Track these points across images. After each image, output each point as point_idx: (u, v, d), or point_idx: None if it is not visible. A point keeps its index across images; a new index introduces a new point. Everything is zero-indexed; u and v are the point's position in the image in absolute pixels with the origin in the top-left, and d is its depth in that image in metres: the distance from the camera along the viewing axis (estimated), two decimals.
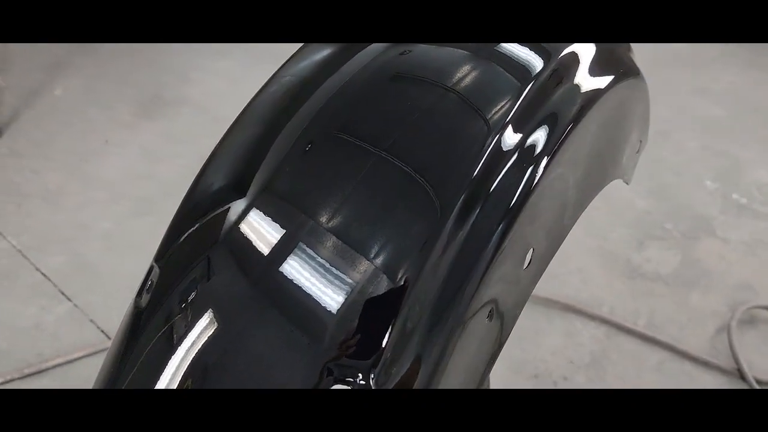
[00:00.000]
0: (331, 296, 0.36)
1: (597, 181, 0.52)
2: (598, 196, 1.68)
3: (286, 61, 0.47)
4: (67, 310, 1.44)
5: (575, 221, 0.49)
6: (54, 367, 1.33)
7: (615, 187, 1.83)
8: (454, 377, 0.37)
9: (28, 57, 2.11)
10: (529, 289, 0.44)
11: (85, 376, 1.32)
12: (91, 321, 1.42)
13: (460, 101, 0.41)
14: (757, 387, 1.35)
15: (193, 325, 0.36)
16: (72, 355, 1.35)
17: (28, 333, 1.39)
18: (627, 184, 0.64)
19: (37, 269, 1.51)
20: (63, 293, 1.47)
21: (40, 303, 1.45)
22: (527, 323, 1.46)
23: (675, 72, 2.16)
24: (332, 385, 0.33)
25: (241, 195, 0.40)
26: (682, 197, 1.76)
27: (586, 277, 1.56)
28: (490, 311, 0.39)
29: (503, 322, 0.41)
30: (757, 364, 1.39)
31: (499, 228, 0.37)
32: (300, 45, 0.48)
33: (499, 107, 0.40)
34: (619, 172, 0.57)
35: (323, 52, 0.46)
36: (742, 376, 1.37)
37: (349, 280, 0.36)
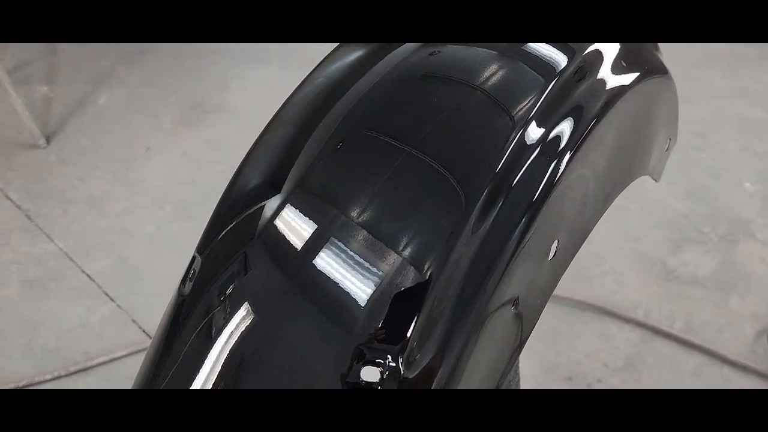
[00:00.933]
0: (361, 287, 0.38)
1: (622, 176, 0.52)
2: (633, 198, 1.67)
3: (319, 64, 0.49)
4: (111, 310, 1.49)
5: (602, 214, 0.50)
6: (98, 365, 1.38)
7: (650, 189, 1.82)
8: (479, 364, 0.38)
9: (74, 68, 2.19)
10: (553, 285, 0.45)
11: (128, 374, 1.37)
12: (134, 321, 1.47)
13: (486, 98, 0.42)
14: None
15: (233, 313, 0.38)
16: (115, 354, 1.40)
17: (75, 332, 1.45)
18: (656, 181, 0.65)
19: (83, 271, 1.57)
20: (107, 294, 1.52)
21: (85, 304, 1.50)
22: (561, 325, 1.45)
23: (712, 73, 2.12)
24: (363, 367, 0.35)
25: (275, 192, 0.42)
26: (721, 199, 1.73)
27: (620, 279, 1.55)
28: (513, 305, 0.40)
29: (526, 316, 0.42)
30: None
31: (523, 220, 0.38)
32: (330, 47, 0.50)
33: (523, 103, 0.41)
34: (646, 169, 0.58)
35: (354, 54, 0.48)
36: None
37: (378, 272, 0.38)
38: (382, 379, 0.35)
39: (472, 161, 0.40)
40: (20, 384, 1.34)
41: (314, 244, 0.39)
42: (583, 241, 0.47)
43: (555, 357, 1.40)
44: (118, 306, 1.50)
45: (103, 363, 1.39)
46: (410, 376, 0.35)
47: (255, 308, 0.39)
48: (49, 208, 1.72)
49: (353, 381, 0.35)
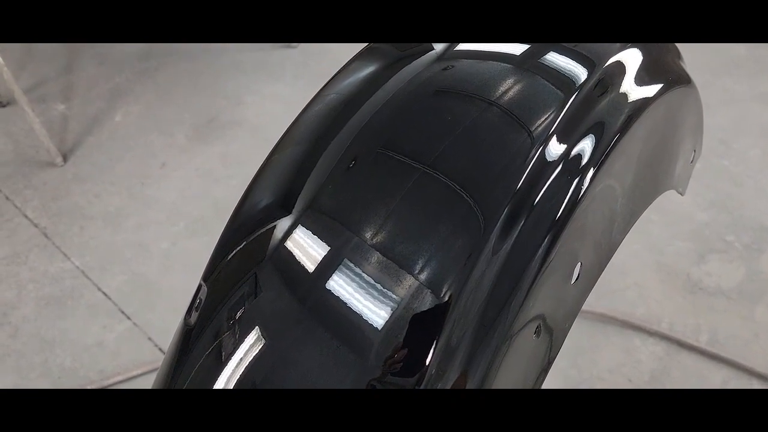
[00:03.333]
0: (375, 312, 0.36)
1: (648, 192, 0.50)
2: (655, 209, 1.64)
3: (330, 80, 0.47)
4: (126, 328, 1.49)
5: (626, 233, 0.48)
6: (114, 384, 1.37)
7: (672, 199, 1.78)
8: (508, 379, 0.37)
9: (91, 86, 2.21)
10: (579, 305, 0.43)
11: None
12: (149, 339, 1.46)
13: (503, 114, 0.41)
14: None
15: (240, 343, 0.37)
16: (131, 373, 1.39)
17: (91, 351, 1.44)
18: (681, 195, 0.63)
19: (99, 289, 1.57)
20: (123, 312, 1.52)
21: (102, 322, 1.50)
22: (583, 340, 1.42)
23: (734, 79, 2.08)
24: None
25: (286, 213, 0.41)
26: (745, 208, 1.69)
27: (643, 292, 1.52)
28: (537, 327, 0.38)
29: (552, 338, 0.40)
30: None
31: (545, 241, 0.37)
32: (344, 59, 0.49)
33: (542, 119, 0.40)
34: (672, 183, 0.56)
35: (366, 69, 0.46)
36: None
37: (393, 297, 0.36)
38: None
39: (491, 179, 0.38)
40: None
41: (326, 267, 0.38)
42: (609, 260, 0.45)
43: (577, 373, 1.37)
44: (134, 324, 1.49)
45: (119, 382, 1.38)
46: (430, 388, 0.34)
47: (265, 334, 0.38)
48: (66, 226, 1.73)
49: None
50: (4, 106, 2.12)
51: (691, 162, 0.62)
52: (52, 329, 1.49)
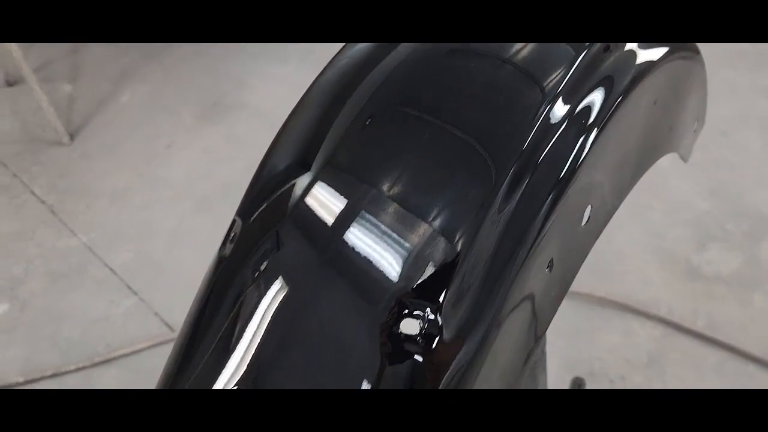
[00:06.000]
0: (391, 258, 0.38)
1: (654, 147, 0.52)
2: (657, 196, 1.66)
3: (343, 47, 0.49)
4: (133, 303, 1.51)
5: (633, 185, 0.50)
6: (121, 357, 1.40)
7: (674, 187, 1.80)
8: (516, 320, 0.39)
9: (97, 67, 2.22)
10: (590, 244, 0.45)
11: (150, 366, 1.38)
12: (156, 314, 1.48)
13: (515, 71, 0.43)
14: None
15: (278, 270, 0.39)
16: (137, 346, 1.41)
17: (98, 325, 1.46)
18: (685, 161, 0.65)
19: (106, 265, 1.59)
20: (130, 288, 1.54)
21: (108, 297, 1.52)
22: (583, 322, 1.44)
23: (736, 72, 2.10)
24: (403, 320, 0.36)
25: (306, 170, 0.42)
26: (744, 197, 1.71)
27: (643, 277, 1.54)
28: (550, 261, 0.40)
29: (563, 274, 0.43)
30: None
31: (558, 184, 0.38)
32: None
33: (553, 76, 0.41)
34: (675, 146, 0.58)
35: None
36: None
37: (408, 244, 0.38)
38: (421, 331, 0.35)
39: (502, 134, 0.40)
40: (46, 374, 1.36)
41: (345, 219, 0.39)
42: (618, 205, 0.47)
43: (577, 353, 1.39)
44: (141, 299, 1.51)
45: (126, 355, 1.40)
46: (448, 329, 0.36)
47: (298, 266, 0.39)
48: (73, 203, 1.74)
49: (394, 333, 0.36)
50: (11, 85, 2.13)
51: (694, 131, 0.64)
52: (60, 303, 1.51)
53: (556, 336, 1.42)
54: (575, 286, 1.51)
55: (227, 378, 0.38)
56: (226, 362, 0.39)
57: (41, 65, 2.18)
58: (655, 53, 0.47)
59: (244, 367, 0.38)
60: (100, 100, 2.09)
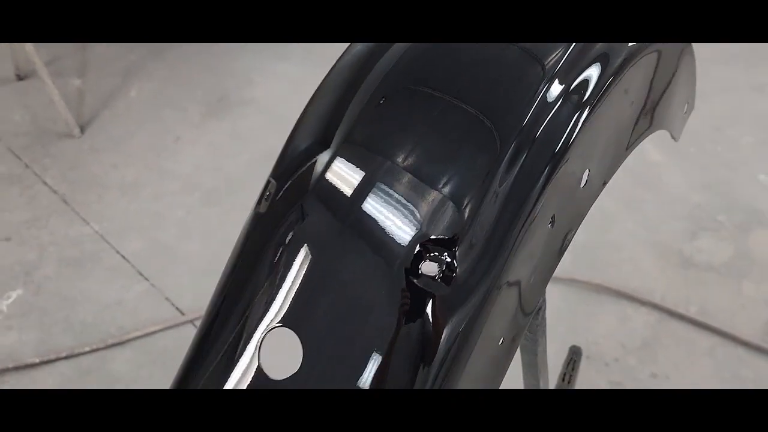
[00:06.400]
0: (418, 208, 0.43)
1: (649, 120, 0.57)
2: (651, 189, 1.71)
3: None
4: (145, 289, 1.55)
5: (629, 153, 0.55)
6: (134, 339, 1.44)
7: (667, 181, 1.86)
8: (521, 264, 0.44)
9: (105, 63, 2.27)
10: (589, 204, 0.50)
11: (162, 347, 1.43)
12: (167, 299, 1.53)
13: (517, 53, 0.48)
14: None
15: (311, 221, 0.44)
16: (149, 329, 1.46)
17: (111, 309, 1.51)
18: (675, 140, 0.70)
19: (118, 252, 1.64)
20: (141, 274, 1.59)
21: (121, 283, 1.57)
22: (580, 308, 1.50)
23: (730, 69, 2.16)
24: (423, 262, 0.41)
25: (325, 147, 0.47)
26: (736, 191, 1.77)
27: (638, 266, 1.59)
28: (552, 218, 0.45)
29: (564, 231, 0.48)
30: None
31: (556, 154, 0.44)
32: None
33: (552, 55, 0.46)
34: (667, 124, 0.63)
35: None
36: None
37: (430, 200, 0.43)
38: (440, 272, 0.41)
39: (506, 108, 0.45)
40: (61, 355, 1.41)
41: (363, 189, 0.44)
42: (615, 170, 0.52)
43: (573, 337, 1.44)
44: (152, 285, 1.56)
45: (139, 337, 1.45)
46: (463, 272, 0.41)
47: (327, 220, 0.44)
48: (84, 193, 1.79)
49: (415, 274, 0.41)
50: (21, 79, 2.18)
51: (685, 113, 0.69)
52: (73, 288, 1.55)
53: (556, 321, 1.47)
54: (573, 273, 1.58)
55: (270, 317, 0.44)
56: (271, 301, 0.44)
57: (50, 60, 2.23)
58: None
59: (287, 305, 0.43)
60: (109, 95, 2.13)
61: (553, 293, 1.52)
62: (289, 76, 2.20)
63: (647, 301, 1.50)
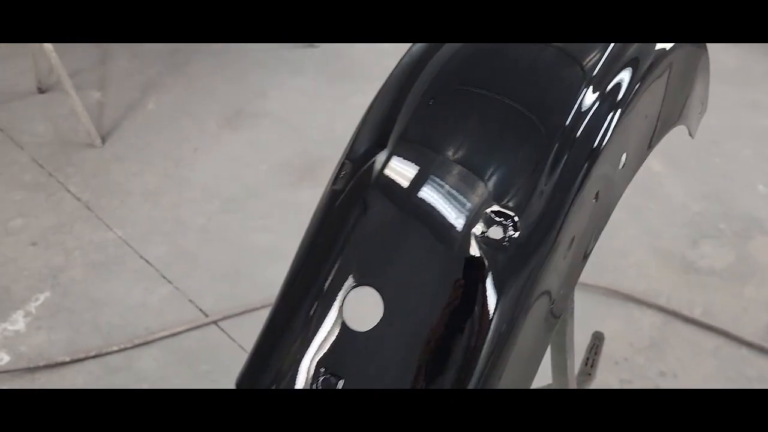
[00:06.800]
0: (484, 182, 0.49)
1: (673, 115, 0.64)
2: (653, 199, 1.80)
3: (409, 49, 0.61)
4: (169, 291, 1.61)
5: (658, 141, 0.62)
6: (160, 339, 1.49)
7: (668, 192, 1.94)
8: (573, 231, 0.50)
9: (124, 76, 2.34)
10: (626, 184, 0.57)
11: (188, 347, 1.48)
12: (191, 301, 1.58)
13: (561, 55, 0.55)
14: None
15: (389, 194, 0.50)
16: (175, 329, 1.51)
17: (137, 310, 1.56)
18: (692, 137, 0.77)
19: (141, 257, 1.69)
20: (165, 277, 1.64)
21: (145, 285, 1.62)
22: (589, 310, 1.56)
23: (725, 86, 2.25)
24: (490, 227, 0.47)
25: (385, 146, 0.54)
26: (735, 200, 1.84)
27: (643, 271, 1.66)
28: (597, 193, 0.52)
29: (606, 205, 0.54)
30: None
31: (599, 139, 0.50)
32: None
33: (590, 58, 0.53)
34: (686, 121, 0.70)
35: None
36: None
37: (495, 176, 0.49)
38: (503, 236, 0.47)
39: (550, 107, 0.52)
40: (90, 354, 1.45)
41: (418, 181, 0.51)
42: (648, 155, 0.59)
43: (585, 338, 1.50)
44: (176, 288, 1.61)
45: (165, 337, 1.50)
46: (525, 237, 0.47)
47: (400, 194, 0.51)
48: (107, 200, 1.85)
49: (482, 236, 0.47)
50: (43, 92, 2.24)
51: (699, 113, 0.76)
52: (99, 291, 1.60)
53: None
54: (582, 278, 1.66)
55: (353, 277, 0.50)
56: (351, 263, 0.50)
57: (71, 74, 2.29)
58: (668, 43, 0.60)
59: (368, 267, 0.49)
60: (128, 107, 2.20)
61: None
62: (303, 89, 2.27)
63: (653, 304, 1.56)
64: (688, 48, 0.64)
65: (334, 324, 0.49)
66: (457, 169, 0.50)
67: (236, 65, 2.40)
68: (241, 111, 2.19)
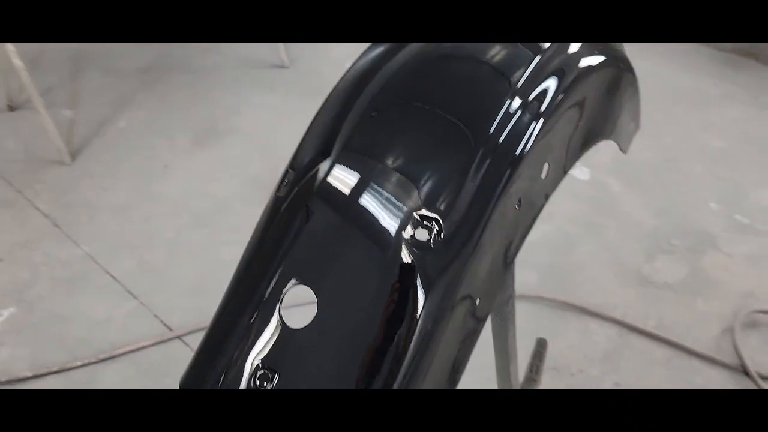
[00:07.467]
0: (411, 186, 0.53)
1: (596, 130, 0.69)
2: (609, 215, 1.86)
3: (356, 61, 0.66)
4: (134, 306, 1.62)
5: (580, 157, 0.66)
6: (125, 353, 1.51)
7: (625, 208, 2.01)
8: (494, 235, 0.54)
9: (95, 94, 2.36)
10: (548, 193, 0.61)
11: (153, 361, 1.49)
12: (155, 316, 1.60)
13: (487, 71, 0.59)
14: (760, 381, 1.48)
15: (324, 201, 0.54)
16: (140, 344, 1.52)
17: (102, 325, 1.57)
18: (624, 152, 0.82)
19: (107, 272, 1.71)
20: (130, 293, 1.65)
21: (111, 301, 1.63)
22: (546, 323, 1.61)
23: (680, 108, 2.34)
24: (416, 229, 0.51)
25: (327, 156, 0.58)
26: (689, 217, 1.92)
27: (599, 284, 1.71)
28: (519, 201, 0.56)
29: (528, 213, 0.59)
30: (760, 362, 1.52)
31: (520, 147, 0.55)
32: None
33: (516, 73, 0.58)
34: (615, 137, 0.75)
35: (382, 49, 0.65)
36: (746, 372, 1.50)
37: (407, 203, 0.53)
38: (429, 238, 0.51)
39: (477, 120, 0.56)
40: (53, 369, 1.46)
41: (359, 188, 0.55)
42: (571, 166, 0.64)
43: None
44: (141, 303, 1.63)
45: (129, 352, 1.51)
46: (450, 237, 0.51)
47: (338, 200, 0.55)
48: (76, 216, 1.86)
49: (410, 239, 0.51)
50: (13, 109, 2.26)
51: (632, 131, 0.81)
52: (65, 307, 1.61)
53: (522, 336, 1.58)
54: (539, 291, 1.70)
55: (290, 277, 0.53)
56: (290, 264, 0.54)
57: (42, 91, 2.31)
58: (594, 60, 0.65)
59: (304, 266, 0.53)
60: (99, 124, 2.22)
61: (520, 310, 1.63)
62: (275, 106, 2.31)
63: (609, 317, 1.62)
64: (613, 66, 0.69)
65: (271, 323, 0.53)
66: (389, 177, 0.54)
67: (208, 83, 2.44)
68: (211, 128, 2.22)
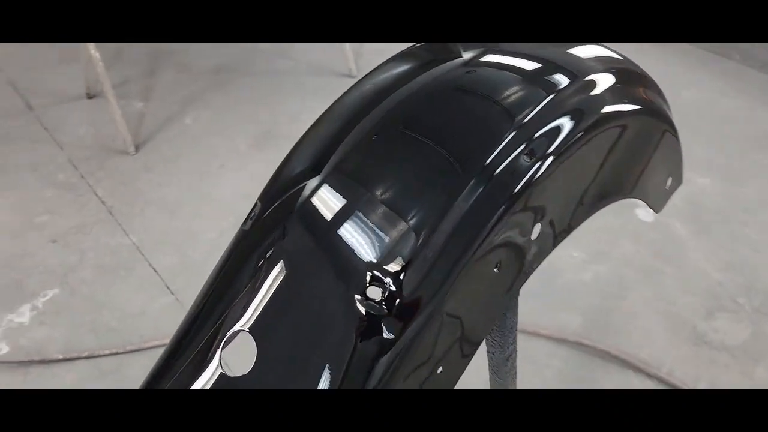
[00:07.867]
0: (373, 240, 0.49)
1: (614, 189, 0.62)
2: (670, 263, 1.73)
3: (369, 72, 0.62)
4: (170, 302, 1.64)
5: (588, 216, 0.59)
6: (151, 347, 1.52)
7: (690, 256, 1.86)
8: (461, 303, 0.49)
9: (167, 90, 2.43)
10: (541, 258, 0.55)
11: None
12: None
13: (495, 107, 0.54)
14: None
15: (280, 242, 0.51)
16: (167, 340, 1.53)
17: (135, 317, 1.60)
18: (655, 212, 0.74)
19: (150, 265, 1.74)
20: (168, 288, 1.68)
21: (149, 293, 1.66)
22: (584, 372, 1.50)
23: (763, 153, 2.16)
24: (369, 286, 0.47)
25: (317, 173, 0.55)
26: (760, 275, 1.76)
27: (649, 337, 1.59)
28: (498, 263, 0.50)
29: (510, 277, 0.53)
30: None
31: (508, 200, 0.49)
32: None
33: (522, 113, 0.52)
34: (642, 195, 0.67)
35: (400, 67, 0.60)
36: None
37: (388, 236, 0.49)
38: (383, 296, 0.46)
39: (470, 159, 0.51)
40: (83, 354, 1.50)
41: (344, 208, 0.51)
42: (567, 235, 0.57)
43: None
44: (177, 299, 1.65)
45: (156, 346, 1.53)
46: (404, 295, 0.46)
47: (299, 242, 0.51)
48: (129, 206, 1.92)
49: (362, 298, 0.47)
50: (91, 97, 2.36)
51: (668, 188, 0.73)
52: (104, 294, 1.66)
53: (556, 383, 1.49)
54: (582, 337, 1.59)
55: (235, 323, 0.50)
56: (237, 308, 0.51)
57: (118, 83, 2.41)
58: (624, 108, 0.58)
59: (251, 313, 0.50)
60: (167, 119, 2.28)
61: (558, 355, 1.54)
62: None
63: (653, 374, 1.50)
64: (641, 118, 0.62)
65: (210, 367, 0.50)
66: (355, 224, 0.50)
67: (274, 87, 2.47)
68: (270, 132, 2.24)
